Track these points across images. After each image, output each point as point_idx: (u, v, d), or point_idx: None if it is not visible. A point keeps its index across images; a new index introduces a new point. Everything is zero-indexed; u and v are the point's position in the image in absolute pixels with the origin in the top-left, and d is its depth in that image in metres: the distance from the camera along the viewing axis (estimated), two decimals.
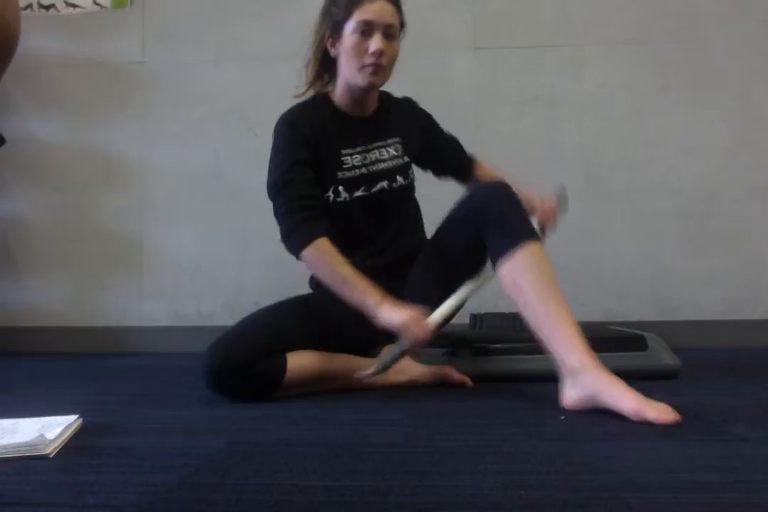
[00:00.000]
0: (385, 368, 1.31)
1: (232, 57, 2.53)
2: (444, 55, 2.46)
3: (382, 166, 1.54)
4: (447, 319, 1.40)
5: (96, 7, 2.57)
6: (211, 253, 2.50)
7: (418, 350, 1.32)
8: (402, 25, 1.48)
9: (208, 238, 2.51)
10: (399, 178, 1.54)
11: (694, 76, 2.39)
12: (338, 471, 0.82)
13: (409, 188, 1.58)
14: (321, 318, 1.44)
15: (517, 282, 1.26)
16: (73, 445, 0.97)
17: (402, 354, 1.31)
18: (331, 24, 1.46)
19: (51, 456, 0.91)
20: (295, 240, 1.39)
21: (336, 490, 0.74)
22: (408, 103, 1.67)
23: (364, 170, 1.52)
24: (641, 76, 2.41)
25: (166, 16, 2.55)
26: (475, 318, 2.00)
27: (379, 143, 1.55)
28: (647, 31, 2.41)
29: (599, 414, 1.11)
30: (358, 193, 1.51)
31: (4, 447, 0.90)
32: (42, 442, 0.91)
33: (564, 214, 1.54)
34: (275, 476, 0.81)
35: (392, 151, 1.56)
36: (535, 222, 1.49)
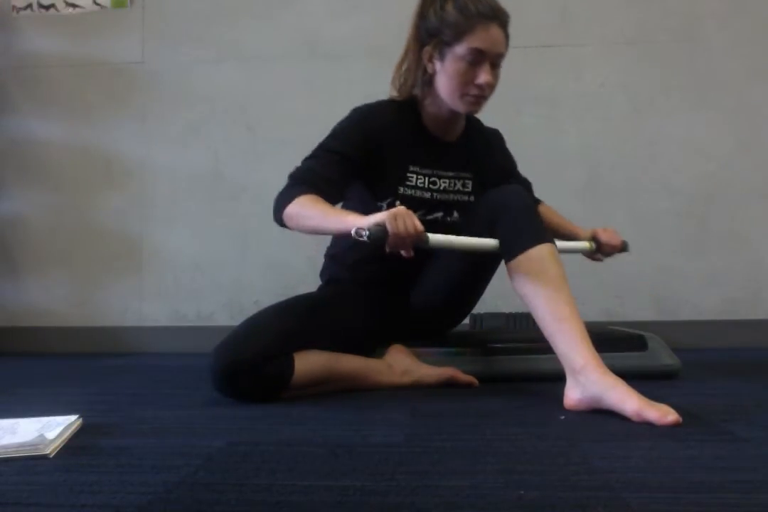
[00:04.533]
0: (373, 236, 1.17)
1: (232, 57, 2.53)
2: None
3: (446, 197, 1.51)
4: (439, 244, 1.26)
5: (96, 7, 2.57)
6: (211, 253, 2.50)
7: (402, 244, 1.17)
8: (508, 45, 1.41)
9: (208, 238, 2.51)
10: (455, 214, 1.52)
11: (694, 76, 2.39)
12: (338, 471, 0.82)
13: (461, 226, 1.52)
14: (328, 317, 1.43)
15: (526, 282, 1.26)
16: (73, 445, 0.97)
17: (382, 238, 1.16)
18: (436, 41, 1.38)
19: (51, 456, 0.91)
20: (278, 201, 1.35)
21: (336, 490, 0.74)
22: (495, 138, 1.64)
23: (427, 195, 1.49)
24: (641, 76, 2.41)
25: (165, 16, 2.55)
26: (475, 318, 2.00)
27: (451, 173, 1.51)
28: (647, 31, 2.41)
29: (599, 415, 1.12)
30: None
31: (4, 447, 0.90)
32: (42, 442, 0.91)
33: (624, 251, 1.58)
34: (275, 476, 0.80)
35: (459, 186, 1.53)
36: (584, 242, 1.54)
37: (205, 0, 2.54)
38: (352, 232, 1.18)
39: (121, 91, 2.57)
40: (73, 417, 1.06)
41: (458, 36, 1.35)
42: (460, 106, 1.41)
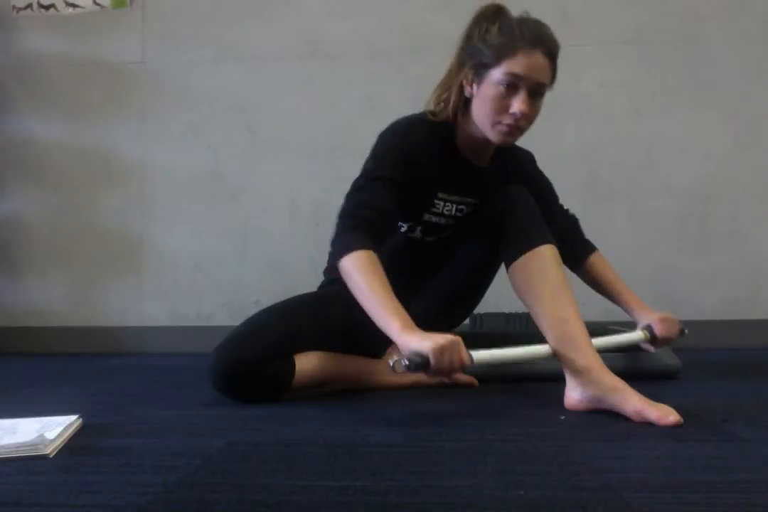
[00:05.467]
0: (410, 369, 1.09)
1: (232, 57, 2.53)
2: (444, 55, 2.45)
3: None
4: (485, 362, 1.19)
5: (96, 7, 2.57)
6: (211, 253, 2.50)
7: (444, 375, 1.11)
8: (554, 78, 1.31)
9: (207, 238, 2.51)
10: None
11: (694, 76, 2.39)
12: (338, 471, 0.82)
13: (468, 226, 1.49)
14: (329, 318, 1.42)
15: (527, 283, 1.26)
16: (73, 445, 0.97)
17: (424, 367, 1.08)
18: (474, 62, 1.30)
19: (51, 456, 0.91)
20: (337, 246, 1.28)
21: (336, 490, 0.74)
22: (527, 160, 1.57)
23: (450, 221, 1.45)
24: (641, 76, 2.41)
25: (166, 16, 2.55)
26: (475, 318, 2.00)
27: (479, 200, 1.46)
28: (647, 31, 2.41)
29: (600, 415, 1.12)
30: (430, 239, 1.46)
31: (4, 447, 0.90)
32: (42, 442, 0.91)
33: (680, 338, 1.49)
34: (275, 476, 0.81)
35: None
36: (637, 333, 1.45)
37: (205, 0, 2.54)
38: (390, 363, 1.09)
39: (121, 91, 2.57)
40: (73, 417, 1.06)
41: (498, 58, 1.25)
42: (492, 135, 1.32)
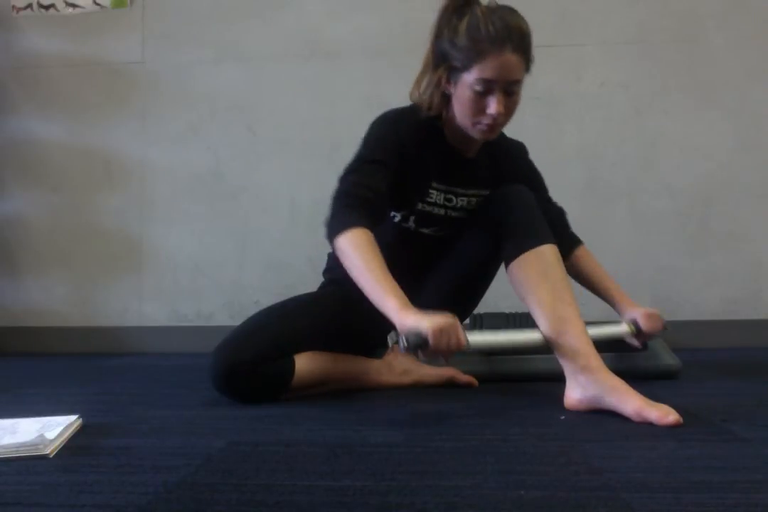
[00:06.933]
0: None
1: (232, 57, 2.53)
2: None
3: (462, 215, 1.47)
4: (480, 346, 1.23)
5: (96, 7, 2.57)
6: (211, 252, 2.50)
7: (443, 357, 1.11)
8: (529, 64, 1.30)
9: (208, 238, 2.51)
10: None
11: (694, 76, 2.39)
12: (338, 471, 0.82)
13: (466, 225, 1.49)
14: (328, 318, 1.43)
15: (527, 282, 1.26)
16: (73, 445, 0.97)
17: (420, 349, 1.08)
18: (447, 66, 1.31)
19: (51, 456, 0.91)
20: (332, 225, 1.27)
21: (336, 490, 0.74)
22: (518, 152, 1.59)
23: (443, 212, 1.46)
24: (641, 76, 2.41)
25: (165, 16, 2.55)
26: (475, 318, 2.00)
27: (471, 191, 1.47)
28: (647, 31, 2.41)
29: (600, 415, 1.12)
30: (426, 231, 1.46)
31: (4, 447, 0.90)
32: (42, 442, 0.91)
33: (663, 333, 1.48)
34: (275, 476, 0.81)
35: (474, 204, 1.48)
36: (623, 327, 1.45)
37: (205, 0, 2.54)
38: (389, 338, 1.12)
39: (121, 91, 2.57)
40: (73, 417, 1.06)
41: (468, 63, 1.26)
42: (473, 133, 1.35)
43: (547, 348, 1.24)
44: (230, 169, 2.51)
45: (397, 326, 1.11)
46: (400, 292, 1.16)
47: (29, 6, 2.58)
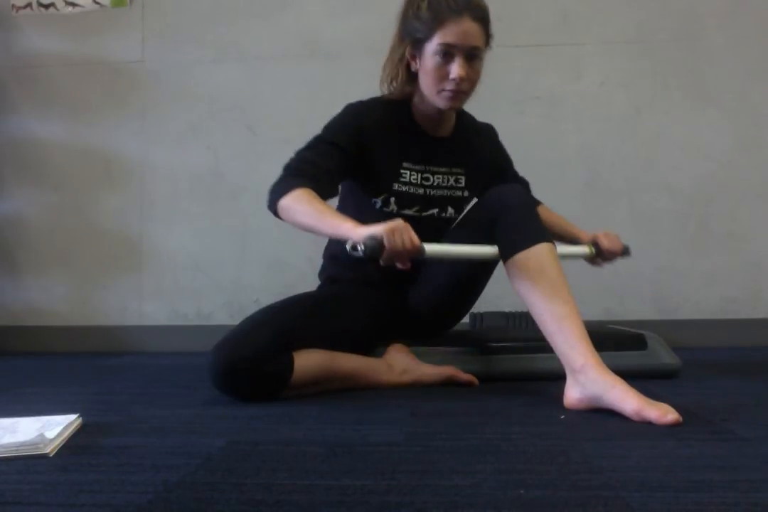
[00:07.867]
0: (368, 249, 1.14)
1: (232, 57, 2.53)
2: None
3: (440, 193, 1.52)
4: (436, 255, 1.26)
5: (95, 6, 2.56)
6: (211, 252, 2.50)
7: (398, 257, 1.16)
8: (488, 39, 1.40)
9: (207, 237, 2.51)
10: (450, 210, 1.54)
11: (694, 76, 2.39)
12: (338, 471, 0.82)
13: (459, 223, 1.54)
14: (328, 316, 1.43)
15: (525, 281, 1.26)
16: (73, 445, 0.97)
17: (378, 253, 1.14)
18: (412, 40, 1.39)
19: (51, 455, 0.91)
20: (275, 190, 1.35)
21: (336, 490, 0.74)
22: (488, 133, 1.65)
23: (420, 191, 1.50)
24: (641, 76, 2.41)
25: (165, 16, 2.55)
26: (475, 317, 2.00)
27: (444, 169, 1.52)
28: (647, 31, 2.41)
29: (599, 414, 1.12)
30: (408, 212, 1.48)
31: (4, 446, 0.90)
32: (42, 441, 0.91)
33: (626, 256, 1.55)
34: (275, 476, 0.81)
35: (452, 181, 1.54)
36: (584, 247, 1.51)
37: (205, 0, 2.54)
38: (347, 247, 1.18)
39: (121, 90, 2.57)
40: (72, 417, 1.06)
41: (430, 32, 1.35)
42: (439, 102, 1.40)
43: (543, 339, 1.24)
44: (230, 169, 2.51)
45: (354, 237, 1.17)
46: (354, 221, 1.22)
47: (29, 5, 2.58)
